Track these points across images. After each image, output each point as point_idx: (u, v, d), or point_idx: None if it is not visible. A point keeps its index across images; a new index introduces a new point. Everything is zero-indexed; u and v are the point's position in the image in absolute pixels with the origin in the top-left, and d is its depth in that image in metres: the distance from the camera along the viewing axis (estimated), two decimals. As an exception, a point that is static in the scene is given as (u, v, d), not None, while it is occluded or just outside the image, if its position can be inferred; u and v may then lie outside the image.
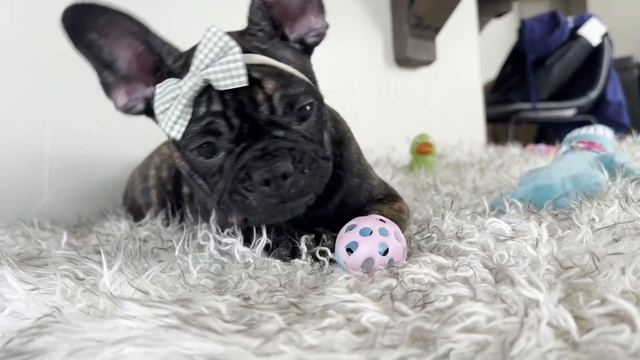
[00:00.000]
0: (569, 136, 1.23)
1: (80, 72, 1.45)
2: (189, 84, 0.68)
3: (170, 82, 0.71)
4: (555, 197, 0.94)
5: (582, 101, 3.61)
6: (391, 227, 0.67)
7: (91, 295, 0.56)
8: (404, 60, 2.53)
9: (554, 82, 3.64)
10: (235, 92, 0.69)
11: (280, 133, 0.71)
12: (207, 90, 0.70)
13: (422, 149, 1.78)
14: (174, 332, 0.41)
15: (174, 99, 0.70)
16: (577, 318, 0.43)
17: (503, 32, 5.46)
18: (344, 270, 0.65)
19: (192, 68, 0.68)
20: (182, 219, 1.15)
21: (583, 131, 1.21)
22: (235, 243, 0.78)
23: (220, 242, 0.81)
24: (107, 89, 0.82)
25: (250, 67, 0.69)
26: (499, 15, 3.61)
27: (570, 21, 3.64)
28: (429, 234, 0.77)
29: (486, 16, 3.51)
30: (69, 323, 0.45)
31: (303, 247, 0.74)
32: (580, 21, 3.62)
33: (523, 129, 4.56)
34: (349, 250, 0.65)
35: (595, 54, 3.61)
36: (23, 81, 1.37)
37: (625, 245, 0.58)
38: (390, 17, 2.53)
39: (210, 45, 0.67)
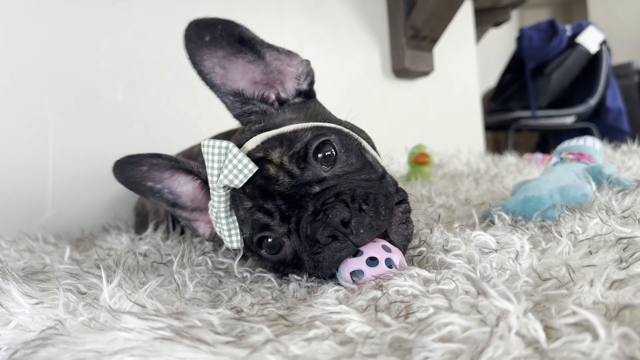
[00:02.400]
0: (559, 148, 1.26)
1: (87, 85, 1.51)
2: (215, 199, 0.72)
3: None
4: (543, 209, 0.97)
5: (581, 108, 3.63)
6: (397, 256, 0.68)
7: (92, 309, 0.59)
8: (401, 71, 2.56)
9: (553, 89, 3.68)
10: (252, 181, 0.70)
11: (316, 188, 0.69)
12: (234, 195, 0.73)
13: (419, 160, 1.81)
14: (168, 344, 0.45)
15: (217, 216, 0.74)
16: (548, 328, 0.46)
17: (502, 41, 5.50)
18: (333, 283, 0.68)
19: (210, 184, 0.72)
20: (182, 231, 1.19)
21: (573, 143, 1.24)
22: (233, 261, 0.81)
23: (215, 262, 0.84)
24: (192, 227, 0.88)
25: (251, 152, 0.72)
26: (497, 24, 3.65)
27: (568, 29, 3.67)
28: (421, 246, 0.80)
29: (485, 25, 3.55)
30: (71, 335, 0.49)
31: None
32: (579, 29, 3.66)
33: (524, 137, 4.59)
34: (353, 275, 0.66)
35: (594, 61, 3.64)
36: (27, 93, 1.41)
37: (599, 258, 0.61)
38: (387, 29, 2.57)
39: (210, 156, 0.69)
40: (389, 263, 0.66)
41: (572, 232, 0.74)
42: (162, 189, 0.84)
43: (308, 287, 0.71)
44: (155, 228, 1.21)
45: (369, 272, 0.65)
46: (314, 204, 0.67)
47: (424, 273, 0.64)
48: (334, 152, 0.71)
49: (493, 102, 3.96)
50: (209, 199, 0.79)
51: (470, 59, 3.21)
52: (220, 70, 0.78)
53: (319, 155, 0.71)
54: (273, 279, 0.74)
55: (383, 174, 0.75)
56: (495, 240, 0.76)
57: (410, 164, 1.86)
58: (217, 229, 0.76)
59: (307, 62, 0.83)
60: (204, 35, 0.74)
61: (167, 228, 1.22)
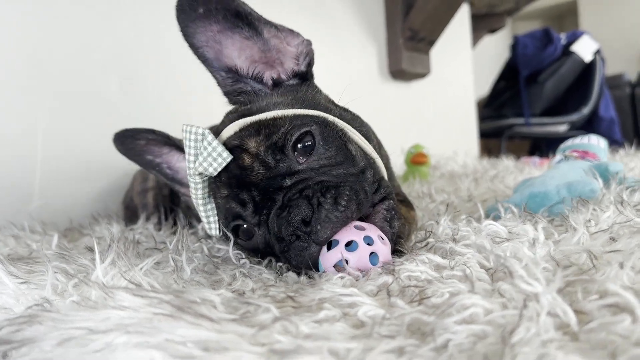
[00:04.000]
0: (562, 145, 1.23)
1: (80, 76, 1.46)
2: (192, 185, 0.71)
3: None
4: (550, 204, 0.94)
5: (575, 117, 3.64)
6: (374, 231, 0.64)
7: (83, 289, 0.55)
8: (398, 72, 2.54)
9: (547, 97, 3.68)
10: (228, 169, 0.68)
11: (287, 182, 0.66)
12: (212, 182, 0.72)
13: (416, 160, 1.78)
14: (167, 321, 0.41)
15: (195, 204, 0.74)
16: (577, 312, 0.43)
17: (496, 49, 5.53)
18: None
19: (187, 170, 0.70)
20: (175, 223, 1.15)
21: (577, 140, 1.22)
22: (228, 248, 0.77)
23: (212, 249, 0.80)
24: (188, 202, 0.87)
25: (228, 140, 0.70)
26: (492, 31, 3.65)
27: (562, 38, 3.68)
28: (425, 237, 0.76)
29: (480, 32, 3.55)
30: (59, 312, 0.44)
31: None
32: (573, 38, 3.67)
33: (516, 144, 4.59)
34: (336, 267, 0.61)
35: (588, 70, 3.65)
36: (16, 83, 1.36)
37: (623, 244, 0.58)
38: (385, 30, 2.55)
39: (187, 142, 0.68)
40: (368, 240, 0.62)
41: (589, 221, 0.71)
42: (161, 163, 0.84)
43: (309, 274, 0.67)
44: (147, 220, 1.17)
45: (352, 258, 0.61)
46: (282, 199, 0.65)
47: (437, 259, 0.61)
48: (311, 144, 0.68)
49: (486, 108, 3.96)
50: None
51: (466, 62, 3.21)
52: (215, 45, 0.74)
53: (298, 146, 0.68)
54: (272, 267, 0.71)
55: (364, 168, 0.71)
56: (506, 230, 0.73)
57: (408, 163, 1.83)
58: (199, 214, 0.75)
59: (309, 42, 0.79)
60: (198, 7, 0.71)
61: (159, 219, 1.18)
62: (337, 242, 0.62)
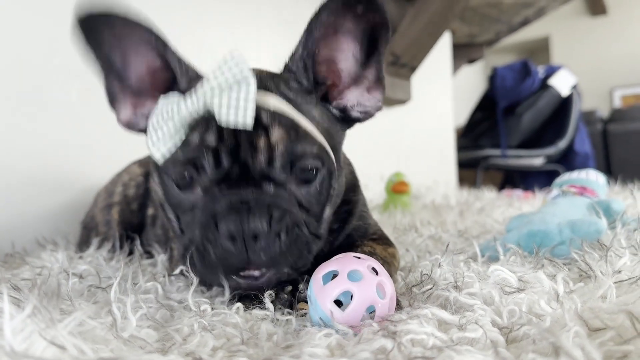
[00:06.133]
0: (559, 180, 1.15)
1: (36, 82, 1.32)
2: (189, 105, 0.60)
3: (173, 96, 0.63)
4: (552, 245, 0.85)
5: (551, 150, 3.62)
6: (375, 263, 0.56)
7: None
8: (379, 97, 2.46)
9: (524, 130, 3.66)
10: (236, 129, 0.60)
11: (270, 189, 0.61)
12: (206, 117, 0.61)
13: (398, 188, 1.69)
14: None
15: (169, 117, 0.61)
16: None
17: (473, 79, 5.56)
18: (317, 323, 0.53)
19: (198, 91, 0.59)
20: (131, 252, 1.01)
21: (574, 175, 1.14)
22: (189, 289, 0.64)
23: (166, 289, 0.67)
24: (112, 98, 0.75)
25: (262, 109, 0.60)
26: (471, 61, 3.65)
27: (541, 71, 3.69)
28: (424, 282, 0.65)
29: (459, 61, 3.54)
30: None
31: (282, 296, 0.62)
32: (551, 71, 3.67)
33: (489, 175, 4.56)
34: (338, 303, 0.52)
35: (565, 104, 3.65)
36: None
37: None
38: (366, 53, 2.47)
39: (225, 70, 0.58)
40: (374, 272, 0.54)
41: (616, 272, 0.61)
42: (115, 51, 0.70)
43: (283, 327, 0.55)
44: (100, 246, 1.03)
45: (360, 289, 0.51)
46: (251, 197, 0.59)
47: (442, 314, 0.50)
48: (314, 182, 0.65)
49: (463, 138, 3.92)
50: (157, 86, 0.71)
51: (446, 91, 3.16)
52: (330, 31, 0.68)
53: (301, 175, 0.64)
54: (239, 314, 0.58)
55: (318, 236, 0.68)
56: (516, 277, 0.63)
57: (388, 192, 1.73)
58: (152, 123, 0.63)
59: (379, 107, 0.76)
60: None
61: (113, 246, 1.04)
62: (334, 272, 0.54)
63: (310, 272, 0.65)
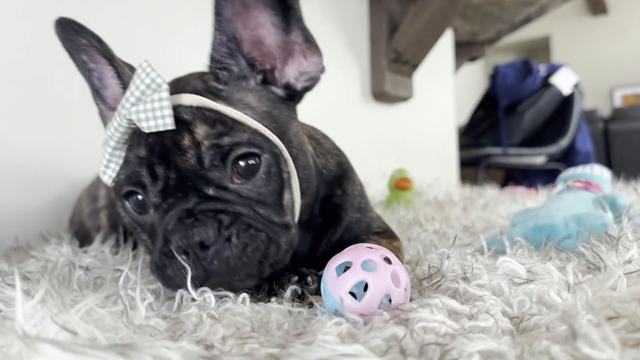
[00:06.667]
0: (563, 174, 1.15)
1: (38, 79, 1.32)
2: (114, 124, 0.61)
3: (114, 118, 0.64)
4: (558, 239, 0.85)
5: (552, 149, 3.62)
6: (388, 252, 0.55)
7: (2, 333, 0.41)
8: (381, 94, 2.46)
9: (526, 128, 3.66)
10: (161, 135, 0.60)
11: (210, 191, 0.60)
12: (138, 134, 0.62)
13: (401, 185, 1.68)
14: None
15: (109, 138, 0.63)
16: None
17: (473, 79, 5.55)
18: (330, 314, 0.53)
19: (119, 107, 0.60)
20: (135, 246, 1.01)
21: (579, 170, 1.14)
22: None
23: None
24: (102, 120, 0.80)
25: (182, 108, 0.60)
26: (472, 59, 3.64)
27: (542, 69, 3.68)
28: (432, 275, 0.65)
29: (461, 59, 3.53)
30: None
31: (288, 291, 0.60)
32: (553, 70, 3.67)
33: (490, 174, 4.56)
34: (352, 295, 0.51)
35: (566, 103, 3.65)
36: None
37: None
38: (368, 50, 2.47)
39: (138, 82, 0.58)
40: (388, 261, 0.53)
41: (627, 262, 0.60)
42: (93, 71, 0.75)
43: (296, 315, 0.55)
44: (103, 242, 1.03)
45: (375, 278, 0.50)
46: (195, 203, 0.59)
47: (452, 303, 0.50)
48: (258, 172, 0.62)
49: (464, 137, 3.92)
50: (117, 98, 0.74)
51: (448, 89, 3.16)
52: (240, 8, 0.65)
53: (240, 164, 0.61)
54: (247, 303, 0.58)
55: (287, 225, 0.64)
56: (525, 269, 0.63)
57: (391, 188, 1.73)
58: (102, 151, 0.65)
59: (322, 68, 0.71)
60: None
61: (117, 241, 1.04)
62: (347, 263, 0.53)
63: (317, 266, 0.65)
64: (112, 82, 0.75)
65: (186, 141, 0.59)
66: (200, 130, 0.59)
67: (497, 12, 2.97)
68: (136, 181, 0.62)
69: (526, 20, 3.18)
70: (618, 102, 6.09)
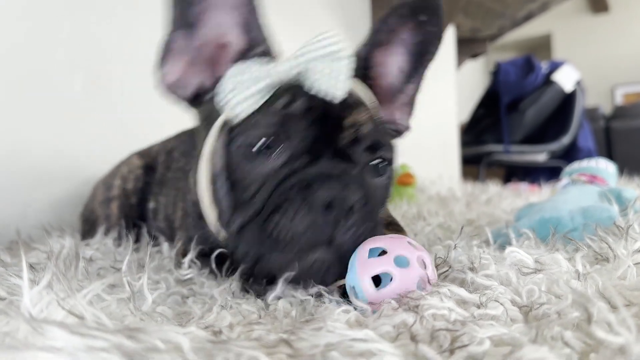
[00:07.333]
0: (568, 168, 1.14)
1: (39, 74, 1.31)
2: (282, 70, 0.58)
3: (253, 62, 0.61)
4: (564, 231, 0.85)
5: (554, 146, 3.61)
6: (426, 255, 0.53)
7: (8, 319, 0.41)
8: (383, 91, 2.45)
9: (527, 125, 3.65)
10: (324, 103, 0.58)
11: (353, 169, 0.58)
12: (290, 89, 0.58)
13: (403, 180, 1.68)
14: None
15: (253, 78, 0.58)
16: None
17: (475, 76, 5.54)
18: (337, 302, 0.52)
19: (293, 60, 0.58)
20: (137, 239, 1.00)
21: (584, 164, 1.13)
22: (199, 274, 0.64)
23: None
24: (166, 53, 0.66)
25: (353, 90, 0.61)
26: (474, 55, 3.63)
27: (544, 66, 3.67)
28: (439, 265, 0.65)
29: (463, 56, 3.52)
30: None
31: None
32: (555, 67, 3.66)
33: (491, 171, 4.56)
34: (376, 280, 0.50)
35: (568, 100, 3.64)
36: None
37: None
38: (370, 47, 2.46)
39: (322, 43, 0.57)
40: (421, 264, 0.52)
41: (638, 250, 0.60)
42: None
43: (302, 303, 0.54)
44: (106, 234, 1.02)
45: (402, 276, 0.49)
46: (341, 172, 0.55)
47: (461, 292, 0.50)
48: (384, 175, 0.64)
49: (466, 134, 3.91)
50: (224, 55, 0.66)
51: (450, 85, 3.15)
52: (385, 37, 0.71)
53: (377, 159, 0.62)
54: (253, 295, 0.58)
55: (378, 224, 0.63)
56: (532, 259, 0.62)
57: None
58: (228, 87, 0.59)
59: (408, 128, 0.82)
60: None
61: (119, 235, 1.03)
62: (382, 250, 0.51)
63: None
64: (213, 22, 0.66)
65: (350, 120, 0.59)
66: (363, 116, 0.60)
67: (499, 8, 2.96)
68: (278, 131, 0.57)
69: (528, 17, 3.17)
70: (619, 100, 6.08)
